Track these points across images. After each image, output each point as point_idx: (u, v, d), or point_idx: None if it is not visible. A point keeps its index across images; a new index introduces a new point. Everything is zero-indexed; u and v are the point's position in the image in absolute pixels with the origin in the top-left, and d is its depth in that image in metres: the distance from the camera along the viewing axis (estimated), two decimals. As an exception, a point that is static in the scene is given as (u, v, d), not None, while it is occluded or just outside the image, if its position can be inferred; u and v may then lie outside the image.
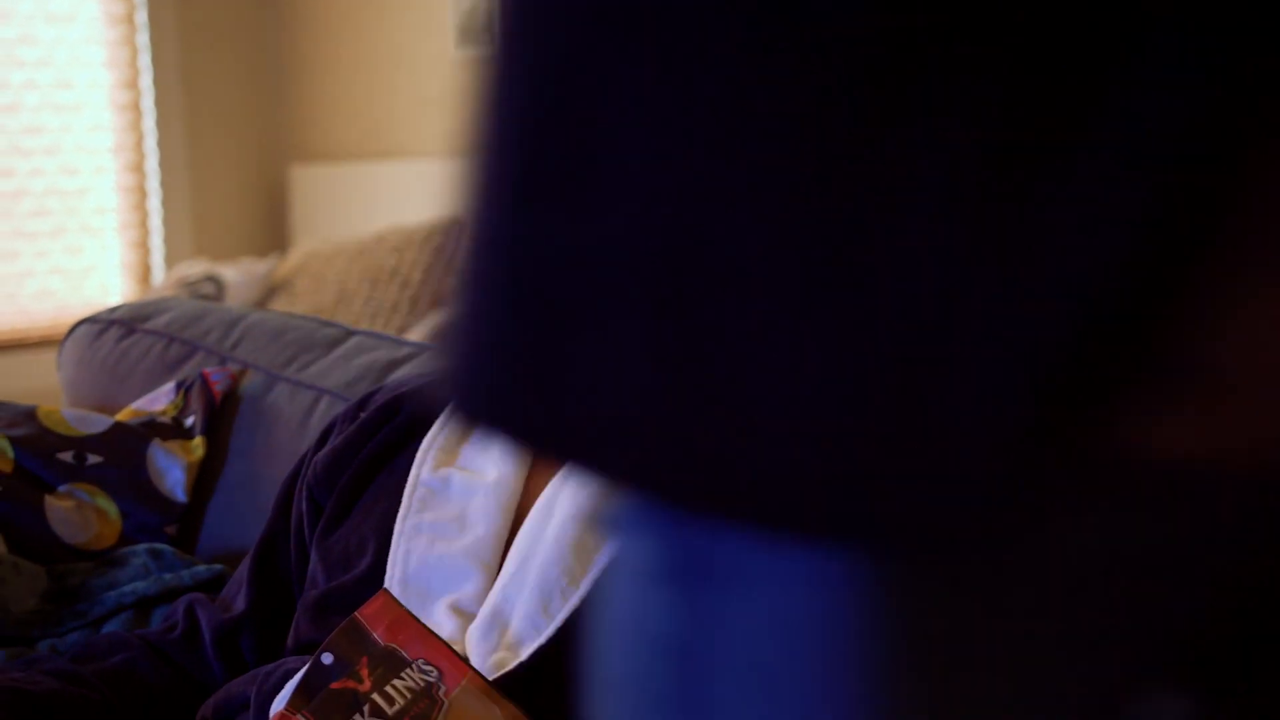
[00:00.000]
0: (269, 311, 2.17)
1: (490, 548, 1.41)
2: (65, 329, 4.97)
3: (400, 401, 1.56)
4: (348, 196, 5.27)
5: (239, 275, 4.66)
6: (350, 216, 5.21)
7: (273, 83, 5.54)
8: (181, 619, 1.59)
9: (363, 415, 1.58)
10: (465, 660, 1.27)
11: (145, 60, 5.19)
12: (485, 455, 1.49)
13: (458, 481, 1.46)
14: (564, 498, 1.38)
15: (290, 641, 1.50)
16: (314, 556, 1.52)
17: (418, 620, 1.28)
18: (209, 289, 4.62)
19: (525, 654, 1.32)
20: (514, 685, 1.30)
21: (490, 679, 1.30)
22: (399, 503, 1.47)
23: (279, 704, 1.31)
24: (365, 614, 1.28)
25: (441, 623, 1.37)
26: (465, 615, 1.38)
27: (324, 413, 1.90)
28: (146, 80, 5.20)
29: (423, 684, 1.24)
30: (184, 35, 5.28)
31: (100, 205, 5.15)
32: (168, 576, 1.76)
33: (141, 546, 1.81)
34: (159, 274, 5.24)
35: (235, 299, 4.49)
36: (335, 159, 5.39)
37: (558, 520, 1.37)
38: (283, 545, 1.59)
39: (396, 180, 5.13)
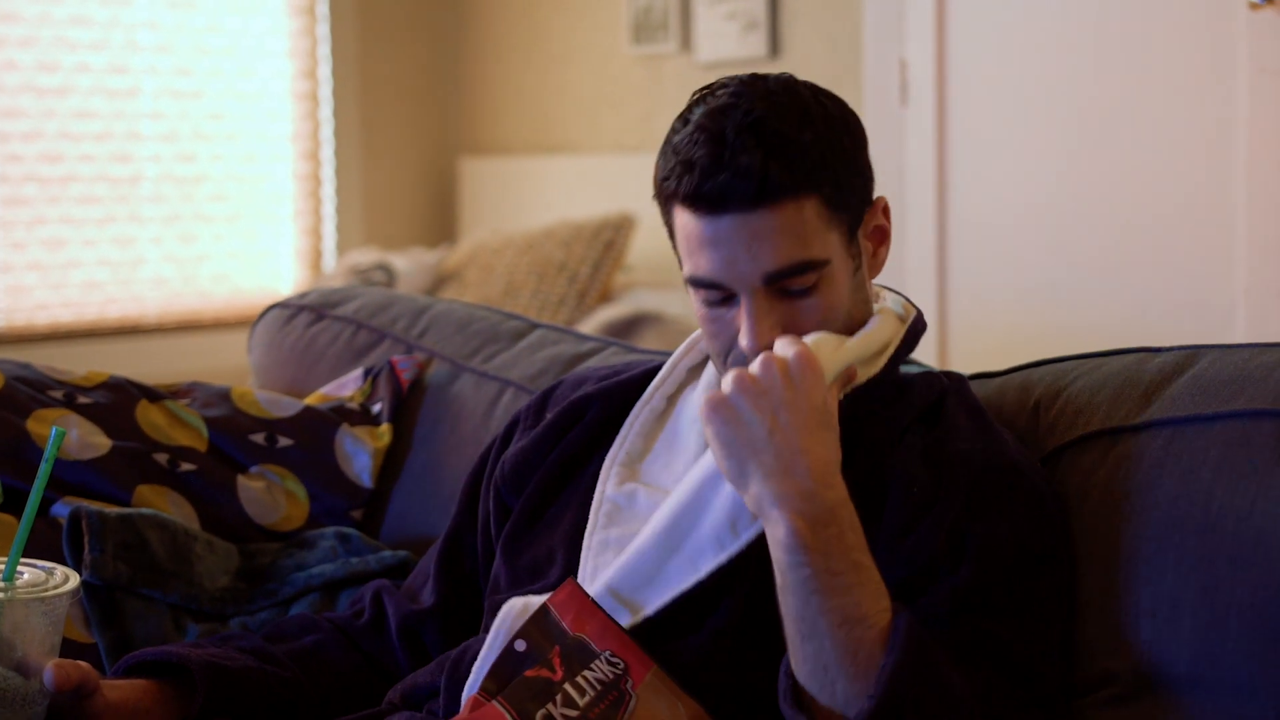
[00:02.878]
0: (455, 301, 2.19)
1: None
2: (240, 312, 5.15)
3: (585, 404, 1.56)
4: (516, 189, 5.32)
5: (409, 264, 4.73)
6: (518, 209, 5.26)
7: (446, 76, 5.61)
8: (369, 606, 1.61)
9: (548, 416, 1.58)
10: (648, 655, 1.27)
11: (324, 51, 5.30)
12: (668, 472, 1.49)
13: (642, 497, 1.46)
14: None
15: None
16: (499, 559, 1.53)
17: (603, 611, 1.29)
18: (379, 277, 4.70)
19: (704, 571, 1.33)
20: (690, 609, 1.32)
21: (669, 600, 1.32)
22: (586, 514, 1.47)
23: (471, 689, 1.32)
24: (554, 602, 1.29)
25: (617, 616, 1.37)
26: None
27: (508, 404, 1.92)
28: (325, 70, 5.31)
29: (611, 676, 1.25)
30: (363, 27, 5.38)
31: (276, 192, 5.27)
32: (355, 561, 1.78)
33: (329, 530, 1.84)
34: (330, 261, 5.35)
35: (405, 288, 4.55)
36: (505, 152, 5.45)
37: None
38: (469, 541, 1.61)
39: (565, 175, 5.17)
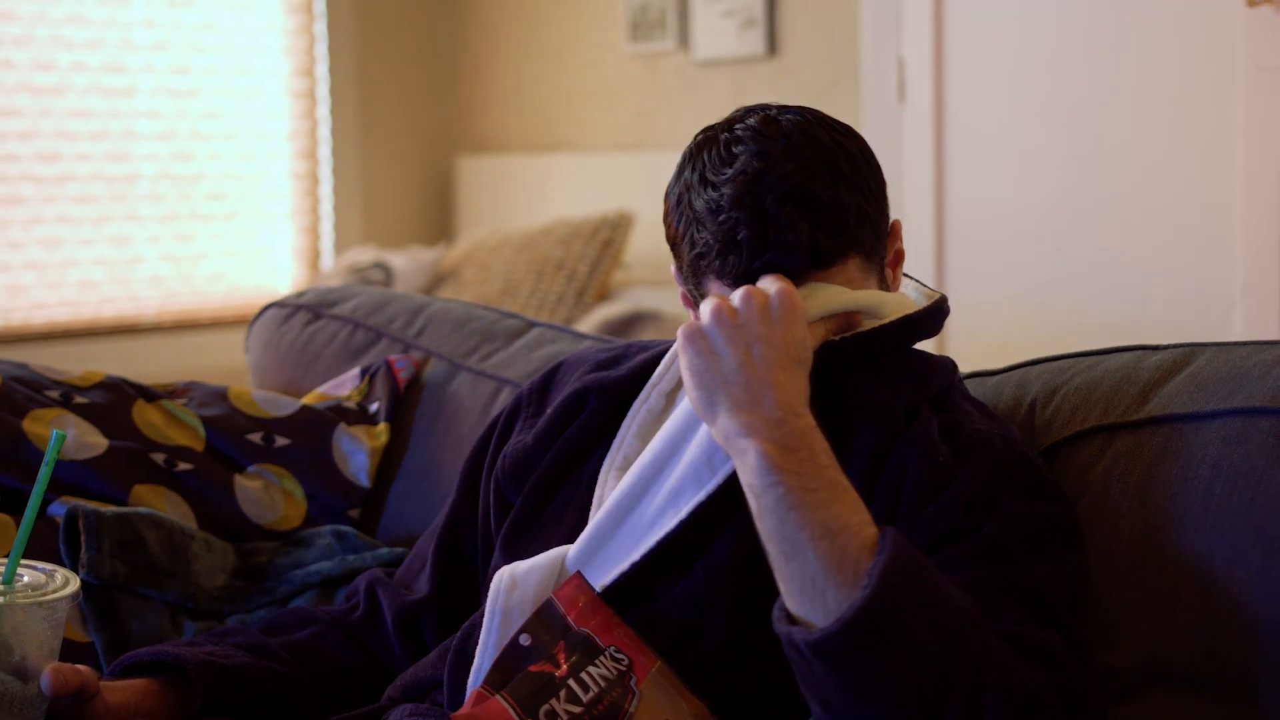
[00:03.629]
0: (452, 300, 2.19)
1: None
2: (238, 311, 5.15)
3: (583, 397, 1.55)
4: (514, 187, 5.32)
5: (407, 263, 4.73)
6: (516, 207, 5.26)
7: (443, 74, 5.61)
8: (363, 599, 1.61)
9: (548, 411, 1.57)
10: (653, 651, 1.27)
11: (321, 49, 5.30)
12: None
13: None
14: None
15: None
16: (499, 554, 1.52)
17: (607, 606, 1.28)
18: (377, 275, 4.69)
19: (685, 510, 1.31)
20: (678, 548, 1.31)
21: (658, 540, 1.30)
22: (586, 517, 1.44)
23: (474, 682, 1.32)
24: (560, 595, 1.29)
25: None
26: None
27: (505, 403, 1.91)
28: (322, 69, 5.31)
29: (615, 673, 1.24)
30: (360, 25, 5.37)
31: (273, 191, 5.26)
32: (351, 558, 1.78)
33: (326, 528, 1.84)
34: (328, 259, 5.34)
35: (403, 286, 4.55)
36: (502, 150, 5.45)
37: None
38: (467, 530, 1.59)
39: (563, 172, 5.17)
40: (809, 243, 1.31)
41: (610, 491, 1.43)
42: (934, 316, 1.43)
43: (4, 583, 1.28)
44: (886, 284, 1.41)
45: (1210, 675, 1.25)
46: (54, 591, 1.29)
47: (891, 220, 1.43)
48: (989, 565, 1.24)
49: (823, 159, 1.34)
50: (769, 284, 1.28)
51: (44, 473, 1.32)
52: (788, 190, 1.31)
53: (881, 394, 1.35)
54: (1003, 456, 1.32)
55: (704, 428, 1.33)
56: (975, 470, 1.29)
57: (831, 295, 1.32)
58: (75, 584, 1.31)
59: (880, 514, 1.27)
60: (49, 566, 1.33)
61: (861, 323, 1.36)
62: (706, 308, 1.26)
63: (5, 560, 1.30)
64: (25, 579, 1.30)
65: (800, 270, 1.32)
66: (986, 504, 1.27)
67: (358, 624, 1.59)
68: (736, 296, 1.26)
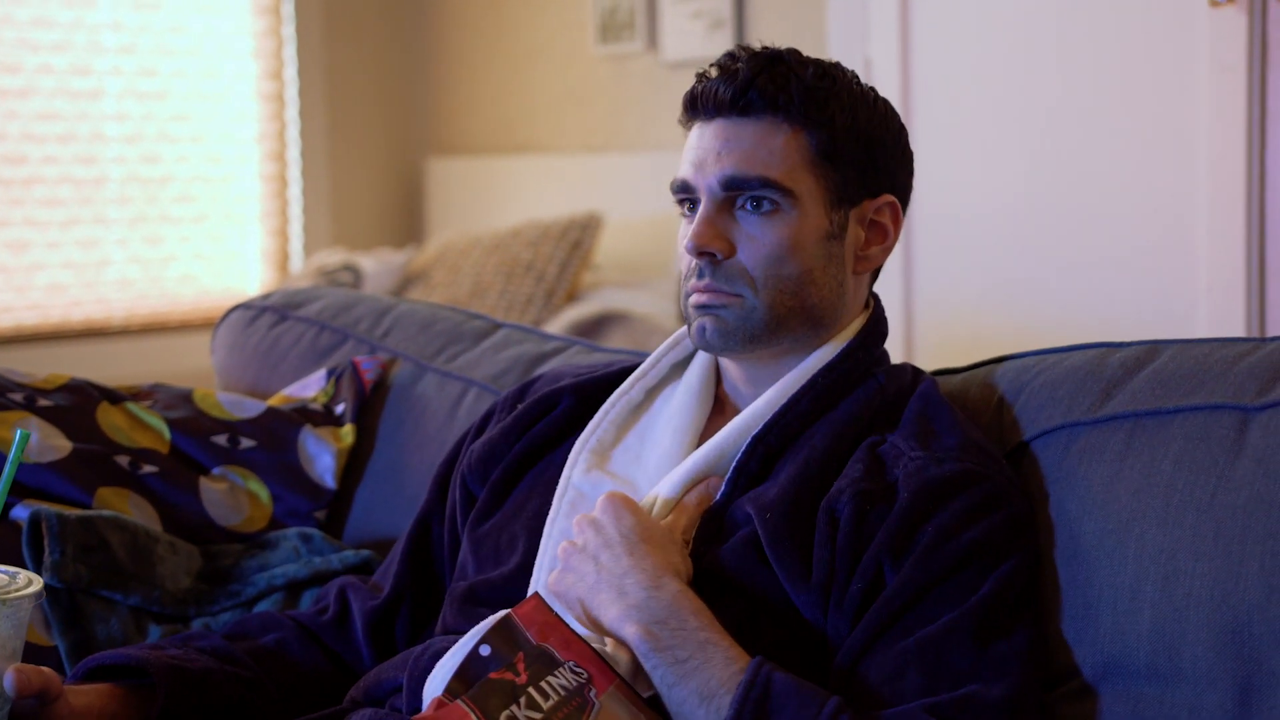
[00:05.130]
0: (418, 302, 2.18)
1: None
2: (206, 314, 5.12)
3: (558, 395, 1.56)
4: (483, 189, 5.31)
5: (376, 265, 4.72)
6: (485, 209, 5.25)
7: (412, 76, 5.60)
8: (333, 602, 1.61)
9: (520, 407, 1.58)
10: (612, 668, 1.28)
11: (290, 51, 5.28)
12: (638, 465, 1.48)
13: (608, 487, 1.45)
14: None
15: (438, 629, 1.51)
16: (465, 545, 1.53)
17: (567, 625, 1.29)
18: (346, 278, 4.68)
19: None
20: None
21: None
22: (550, 500, 1.47)
23: (431, 684, 1.32)
24: (519, 614, 1.30)
25: (576, 627, 1.37)
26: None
27: (471, 404, 1.92)
28: (291, 71, 5.29)
29: (575, 684, 1.26)
30: (328, 27, 5.36)
31: (242, 193, 5.24)
32: (317, 560, 1.77)
33: (292, 530, 1.83)
34: (297, 262, 5.32)
35: (372, 288, 4.54)
36: (472, 152, 5.44)
37: None
38: (437, 528, 1.61)
39: (532, 174, 5.16)
40: (747, 80, 1.39)
41: (577, 474, 1.46)
42: (871, 336, 1.47)
43: (-35, 585, 1.28)
44: (844, 224, 1.43)
45: (1172, 670, 1.26)
46: (16, 591, 1.28)
47: (887, 196, 1.46)
48: (908, 623, 1.27)
49: (827, 69, 1.42)
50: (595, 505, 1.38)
51: (8, 472, 1.31)
52: (770, 54, 1.42)
53: (812, 451, 1.39)
54: (932, 485, 1.32)
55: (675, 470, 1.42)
56: (899, 510, 1.31)
57: (667, 488, 1.41)
58: (39, 584, 1.30)
59: (847, 565, 1.31)
60: (12, 569, 1.32)
61: (713, 482, 1.42)
62: (559, 552, 1.36)
63: (-34, 563, 1.29)
64: (-13, 580, 1.29)
65: (728, 103, 1.40)
66: (909, 540, 1.30)
67: (326, 626, 1.59)
68: (574, 529, 1.36)
